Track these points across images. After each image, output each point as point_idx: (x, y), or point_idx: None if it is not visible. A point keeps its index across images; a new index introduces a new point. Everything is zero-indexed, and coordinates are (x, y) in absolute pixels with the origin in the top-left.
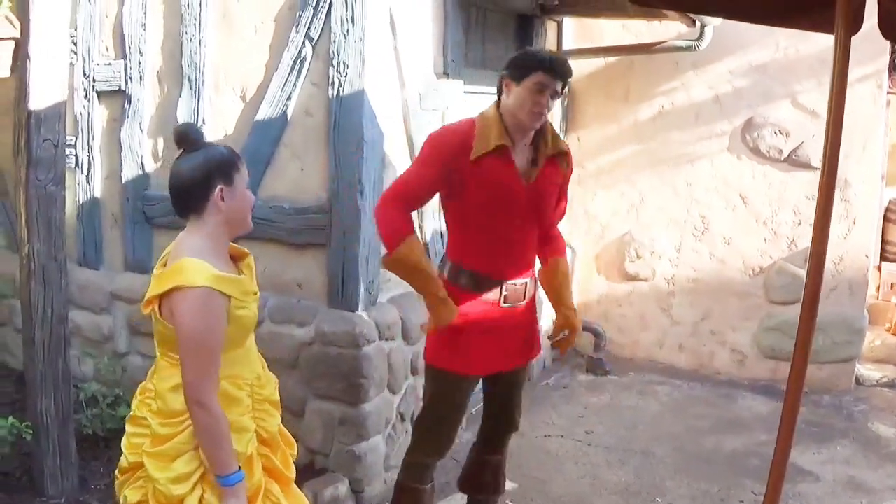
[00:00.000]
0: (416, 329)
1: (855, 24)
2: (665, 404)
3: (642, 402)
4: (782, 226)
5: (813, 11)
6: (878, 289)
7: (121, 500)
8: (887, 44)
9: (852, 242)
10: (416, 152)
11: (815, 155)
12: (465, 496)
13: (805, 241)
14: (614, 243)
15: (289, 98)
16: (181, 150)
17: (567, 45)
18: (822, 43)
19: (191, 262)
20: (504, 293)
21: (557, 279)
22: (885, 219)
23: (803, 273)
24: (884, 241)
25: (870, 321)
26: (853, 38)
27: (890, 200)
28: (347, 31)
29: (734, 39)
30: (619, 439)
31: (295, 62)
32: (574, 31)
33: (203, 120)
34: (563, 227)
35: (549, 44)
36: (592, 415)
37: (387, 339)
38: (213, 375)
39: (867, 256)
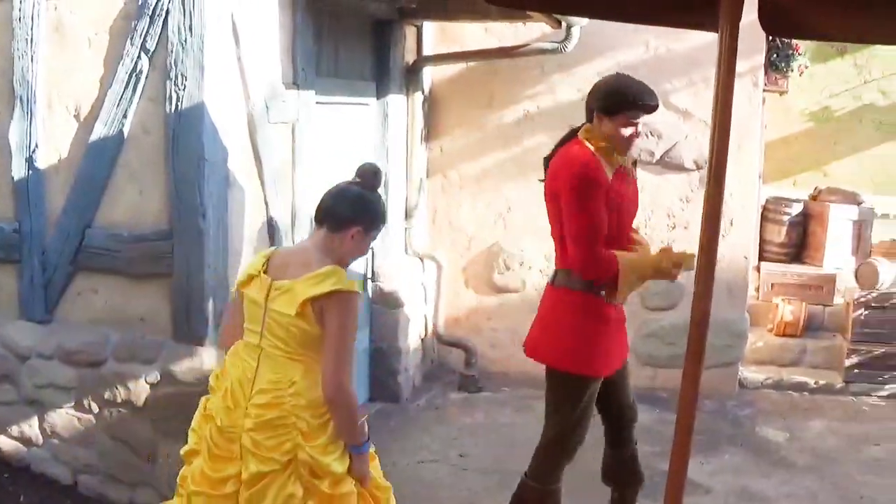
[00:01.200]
0: None
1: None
2: (541, 420)
3: (519, 419)
4: (657, 230)
5: (693, 8)
6: (757, 289)
7: (277, 502)
8: (763, 40)
9: (730, 243)
10: (264, 168)
11: (689, 156)
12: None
13: (680, 244)
14: (482, 255)
15: (124, 115)
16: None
17: (427, 50)
18: (693, 41)
19: (341, 270)
20: (603, 293)
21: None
22: (763, 218)
23: (680, 277)
24: (762, 241)
25: (751, 322)
26: None
27: (767, 199)
28: (185, 40)
29: (602, 40)
30: (497, 461)
31: (130, 76)
32: (434, 36)
33: (36, 143)
34: (426, 239)
35: (409, 50)
36: (467, 435)
37: None
38: (352, 367)
39: (746, 257)
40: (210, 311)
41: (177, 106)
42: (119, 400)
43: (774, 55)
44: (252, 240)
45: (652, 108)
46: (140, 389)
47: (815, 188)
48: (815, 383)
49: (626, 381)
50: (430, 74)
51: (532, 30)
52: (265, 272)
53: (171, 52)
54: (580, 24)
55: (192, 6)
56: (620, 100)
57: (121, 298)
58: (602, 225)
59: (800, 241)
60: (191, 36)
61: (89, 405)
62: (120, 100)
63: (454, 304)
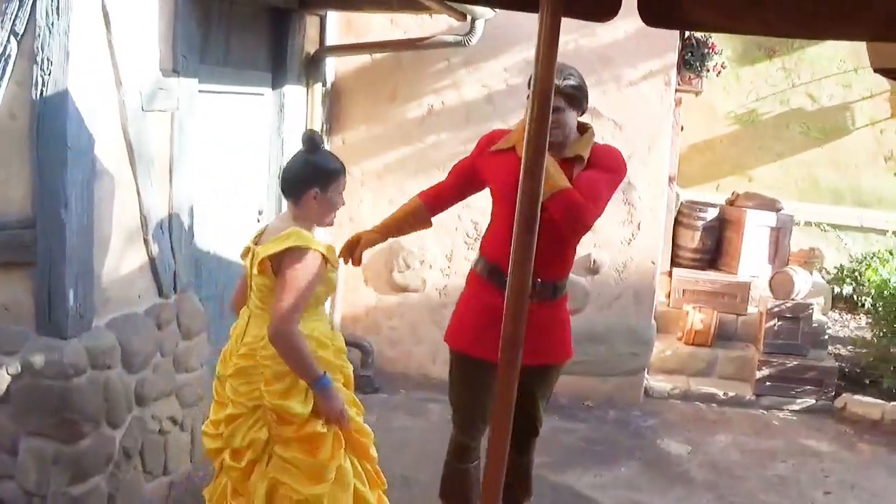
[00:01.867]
0: (139, 355)
1: (610, 10)
2: (435, 424)
3: (411, 423)
4: None
5: None
6: (668, 295)
7: (244, 444)
8: (676, 39)
9: (637, 248)
10: (138, 158)
11: None
12: None
13: (587, 247)
14: (382, 253)
15: None
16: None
17: (332, 41)
18: (604, 38)
19: (300, 231)
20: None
21: None
22: (677, 222)
23: (584, 281)
24: (676, 247)
25: (661, 329)
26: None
27: (682, 203)
28: (52, 24)
29: (510, 35)
30: (383, 464)
31: None
32: (339, 27)
33: None
34: (326, 235)
35: (311, 40)
36: None
37: (102, 368)
38: (297, 311)
39: (653, 263)
40: (72, 303)
41: (42, 91)
42: None
43: (689, 54)
44: (123, 231)
45: (559, 89)
46: (1, 381)
47: (733, 193)
48: (724, 395)
49: (528, 389)
50: (333, 66)
51: (439, 22)
52: (256, 243)
53: (39, 35)
54: (485, 17)
55: None
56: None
57: None
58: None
59: (715, 248)
60: (58, 19)
61: None
62: None
63: (353, 302)
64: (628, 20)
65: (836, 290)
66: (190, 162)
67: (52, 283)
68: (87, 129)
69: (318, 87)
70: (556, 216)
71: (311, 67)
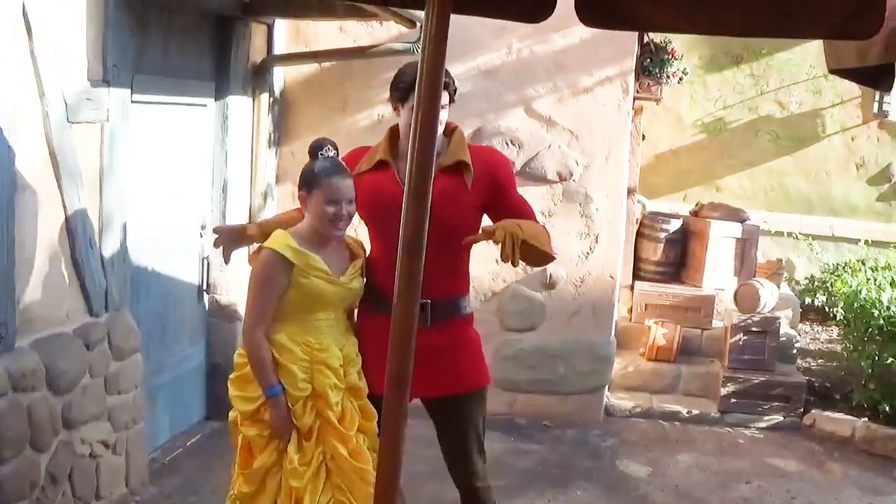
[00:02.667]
0: (66, 376)
1: (543, 10)
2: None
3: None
4: None
5: None
6: (630, 310)
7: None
8: (633, 44)
9: (595, 262)
10: (63, 170)
11: (551, 167)
12: None
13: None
14: None
15: None
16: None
17: (280, 50)
18: (558, 44)
19: (279, 232)
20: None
21: None
22: (639, 234)
23: (540, 297)
24: (638, 259)
25: (622, 345)
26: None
27: (644, 215)
28: None
29: (462, 42)
30: None
31: None
32: (287, 35)
33: None
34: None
35: (257, 49)
36: None
37: (25, 391)
38: (260, 314)
39: (612, 277)
40: None
41: None
42: None
43: (648, 59)
44: (47, 244)
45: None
46: None
47: (697, 203)
48: (688, 412)
49: (443, 428)
50: (282, 76)
51: (390, 30)
52: None
53: None
54: None
55: None
56: (403, 82)
57: None
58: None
59: (679, 260)
60: None
61: None
62: None
63: None
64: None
65: (808, 301)
66: (122, 175)
67: None
68: (5, 141)
69: (264, 98)
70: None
71: (258, 77)
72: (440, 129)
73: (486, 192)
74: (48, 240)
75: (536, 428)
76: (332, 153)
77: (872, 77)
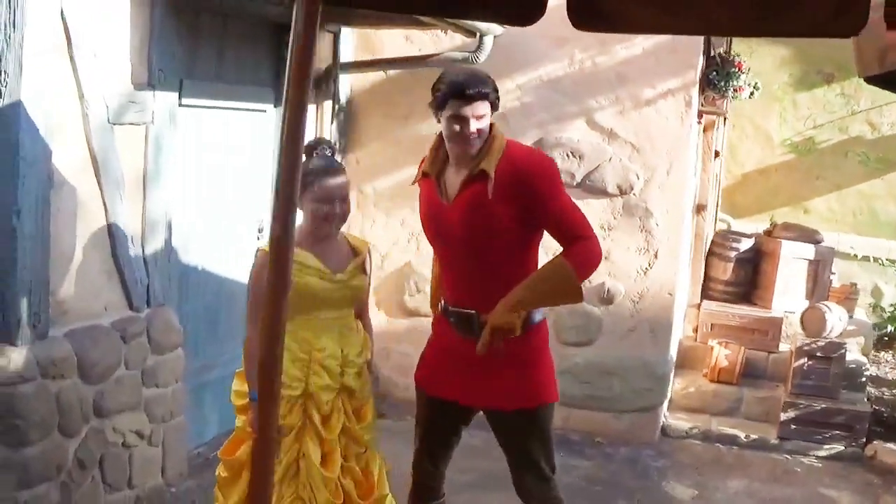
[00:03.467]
0: (98, 367)
1: (532, 14)
2: None
3: (405, 451)
4: None
5: None
6: (695, 329)
7: None
8: (697, 56)
9: (654, 278)
10: (104, 171)
11: (612, 180)
12: None
13: (601, 275)
14: (393, 275)
15: None
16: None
17: (346, 57)
18: (621, 55)
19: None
20: (451, 319)
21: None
22: (710, 253)
23: (598, 311)
24: (707, 278)
25: (686, 365)
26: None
27: (715, 233)
28: (9, 36)
29: (525, 52)
30: None
31: None
32: (355, 44)
33: None
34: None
35: (321, 57)
36: None
37: (54, 378)
38: (256, 314)
39: (671, 294)
40: (24, 312)
41: (1, 102)
42: None
43: (713, 73)
44: (85, 240)
45: (472, 97)
46: None
47: (772, 223)
48: (746, 437)
49: (503, 438)
50: (349, 84)
51: (454, 39)
52: None
53: None
54: (493, 33)
55: (16, 2)
56: (440, 92)
57: None
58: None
59: (750, 280)
60: (13, 32)
61: None
62: None
63: None
64: (648, 35)
65: (892, 329)
66: (168, 176)
67: (3, 291)
68: (42, 140)
69: (328, 105)
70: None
71: (321, 84)
72: (479, 139)
73: (518, 200)
74: (87, 236)
75: (589, 444)
76: (328, 152)
77: None
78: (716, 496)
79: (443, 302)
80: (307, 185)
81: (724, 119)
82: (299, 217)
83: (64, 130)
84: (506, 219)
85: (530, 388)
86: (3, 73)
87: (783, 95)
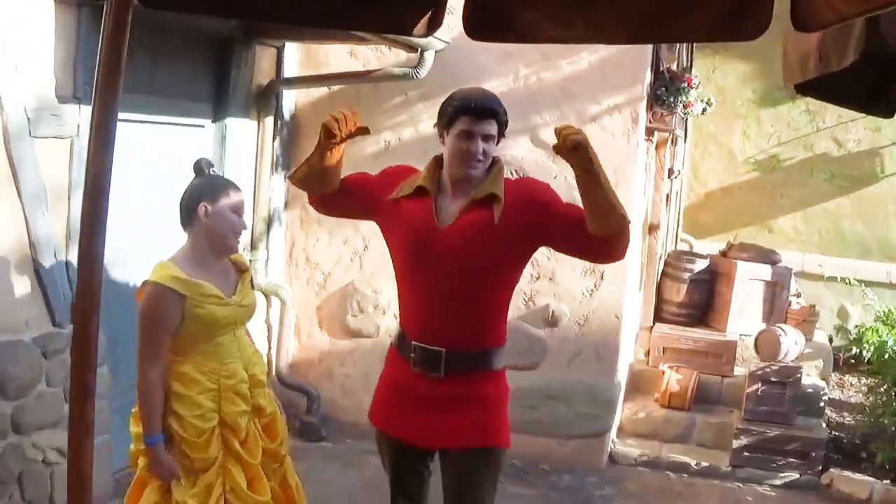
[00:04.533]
0: (18, 381)
1: (429, 25)
2: (367, 479)
3: (342, 476)
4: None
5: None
6: (647, 353)
7: None
8: (644, 71)
9: (600, 300)
10: (23, 185)
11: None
12: None
13: (543, 298)
14: (336, 295)
15: None
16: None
17: (290, 72)
18: (566, 70)
19: (161, 264)
20: (412, 354)
21: None
22: (663, 274)
23: (542, 334)
24: (661, 300)
25: (637, 389)
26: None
27: (668, 254)
28: None
29: (468, 68)
30: None
31: None
32: (298, 59)
33: None
34: (282, 275)
35: (263, 72)
36: None
37: None
38: (154, 353)
39: (617, 317)
40: None
41: None
42: None
43: (662, 88)
44: (8, 257)
45: (481, 113)
46: None
47: (728, 243)
48: (697, 464)
49: (452, 481)
50: (293, 99)
51: (398, 55)
52: None
53: None
54: (433, 48)
55: None
56: (451, 108)
57: None
58: (357, 183)
59: (705, 302)
60: None
61: None
62: None
63: (308, 345)
64: (593, 50)
65: (856, 351)
66: None
67: None
68: None
69: (269, 121)
70: (606, 238)
71: (262, 100)
72: (485, 162)
73: (524, 217)
74: (7, 250)
75: (533, 471)
76: (213, 170)
77: (863, 101)
78: None
79: (400, 335)
80: (220, 192)
81: (685, 136)
82: (174, 243)
83: None
84: (503, 248)
85: (487, 430)
86: None
87: (747, 112)
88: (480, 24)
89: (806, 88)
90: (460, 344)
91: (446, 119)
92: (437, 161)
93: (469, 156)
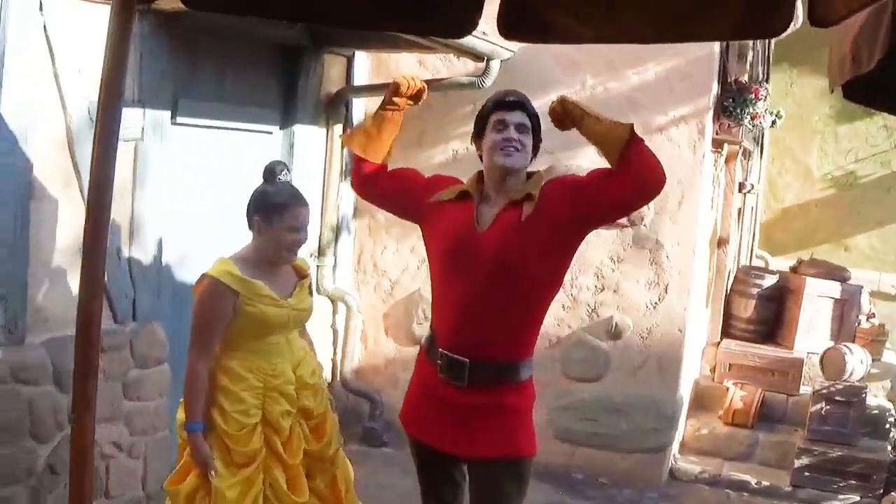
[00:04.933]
0: (71, 375)
1: (464, 26)
2: None
3: (400, 481)
4: (583, 291)
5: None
6: (713, 369)
7: None
8: (711, 81)
9: (664, 313)
10: (84, 182)
11: None
12: None
13: (609, 309)
14: (402, 302)
15: None
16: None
17: (360, 81)
18: (633, 81)
19: (221, 259)
20: (438, 361)
21: None
22: (732, 290)
23: (605, 346)
24: (729, 316)
25: (701, 406)
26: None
27: (739, 269)
28: None
29: (535, 77)
30: None
31: None
32: (370, 68)
33: None
34: (350, 282)
35: (333, 80)
36: None
37: (27, 383)
38: (203, 344)
39: (681, 331)
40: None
41: None
42: None
43: (729, 99)
44: (67, 251)
45: (510, 104)
46: None
47: (798, 259)
48: (758, 483)
49: (477, 486)
50: (363, 107)
51: (467, 65)
52: None
53: None
54: (500, 57)
55: None
56: (483, 111)
57: None
58: (403, 177)
59: (774, 319)
60: None
61: None
62: None
63: (374, 351)
64: (660, 60)
65: None
66: (157, 193)
67: None
68: (22, 153)
69: (338, 128)
70: (629, 160)
71: (332, 108)
72: (522, 153)
73: (564, 204)
74: (68, 247)
75: (592, 485)
76: (287, 177)
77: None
78: None
79: (430, 340)
80: (276, 212)
81: (761, 151)
82: (239, 241)
83: (46, 144)
84: (543, 242)
85: (513, 440)
86: None
87: (824, 128)
88: (514, 24)
89: (853, 94)
90: (486, 354)
91: (479, 125)
92: (480, 174)
93: (505, 142)
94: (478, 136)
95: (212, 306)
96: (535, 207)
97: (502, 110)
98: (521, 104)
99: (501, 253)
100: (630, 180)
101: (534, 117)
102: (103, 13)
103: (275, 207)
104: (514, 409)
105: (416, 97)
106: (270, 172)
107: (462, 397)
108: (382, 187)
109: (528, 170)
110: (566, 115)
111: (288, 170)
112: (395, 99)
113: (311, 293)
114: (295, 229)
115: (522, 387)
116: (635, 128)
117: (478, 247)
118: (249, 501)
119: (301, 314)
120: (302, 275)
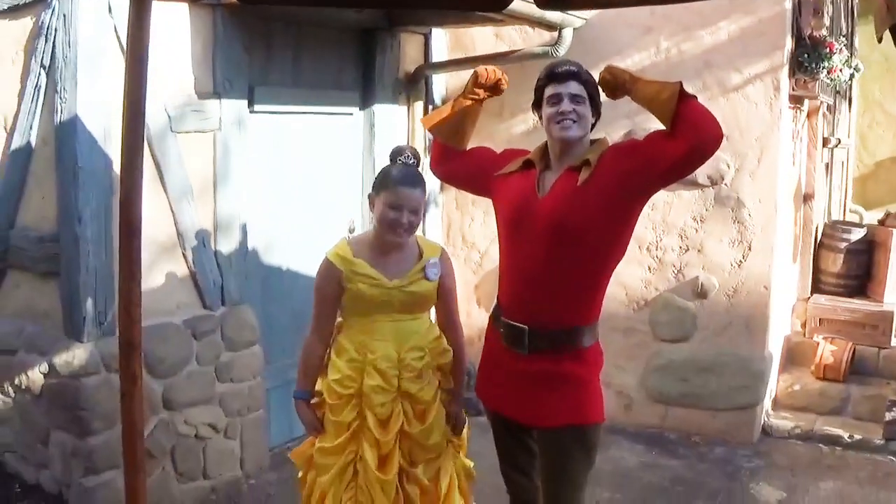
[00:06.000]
0: (167, 361)
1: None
2: None
3: (491, 449)
4: (668, 252)
5: None
6: (804, 325)
7: None
8: (784, 38)
9: (748, 271)
10: (168, 178)
11: (703, 171)
12: None
13: (694, 269)
14: (493, 272)
15: (31, 127)
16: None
17: (439, 57)
18: (706, 41)
19: (340, 240)
20: (501, 330)
21: None
22: (820, 245)
23: (692, 306)
24: (818, 271)
25: (793, 361)
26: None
27: (825, 224)
28: (66, 56)
29: (608, 44)
30: None
31: (34, 91)
32: (448, 44)
33: None
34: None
35: (411, 59)
36: None
37: (117, 371)
38: (316, 317)
39: (766, 288)
40: (89, 311)
41: (60, 118)
42: (24, 386)
43: (804, 55)
44: (154, 246)
45: (563, 75)
46: (37, 378)
47: (886, 212)
48: (850, 437)
49: (544, 457)
50: (443, 84)
51: (542, 35)
52: None
53: (58, 67)
54: (571, 25)
55: (71, 24)
56: (538, 82)
57: (33, 294)
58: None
59: (864, 273)
60: (69, 50)
61: (7, 389)
62: (28, 113)
63: (467, 323)
64: (732, 19)
65: None
66: (239, 180)
67: (71, 291)
68: (100, 150)
69: (419, 106)
70: (686, 128)
71: (411, 86)
72: (580, 123)
73: (622, 167)
74: (154, 240)
75: (685, 443)
76: (411, 161)
77: None
78: (804, 499)
79: (496, 309)
80: (381, 188)
81: (849, 105)
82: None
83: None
84: (600, 205)
85: (578, 407)
86: (60, 89)
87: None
88: None
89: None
90: (546, 321)
91: (537, 96)
92: (545, 145)
93: (560, 116)
94: (537, 106)
95: (320, 283)
96: (592, 173)
97: (554, 83)
98: (575, 73)
99: (558, 218)
100: (686, 139)
101: (589, 84)
102: (172, 12)
103: (378, 186)
104: (577, 375)
105: (494, 88)
106: (393, 155)
107: (524, 364)
108: (457, 169)
109: (594, 137)
110: (616, 82)
111: (415, 155)
112: (476, 89)
113: (426, 277)
114: (394, 207)
115: (586, 353)
116: (712, 87)
117: (536, 213)
118: (337, 470)
119: (412, 297)
120: (424, 254)
